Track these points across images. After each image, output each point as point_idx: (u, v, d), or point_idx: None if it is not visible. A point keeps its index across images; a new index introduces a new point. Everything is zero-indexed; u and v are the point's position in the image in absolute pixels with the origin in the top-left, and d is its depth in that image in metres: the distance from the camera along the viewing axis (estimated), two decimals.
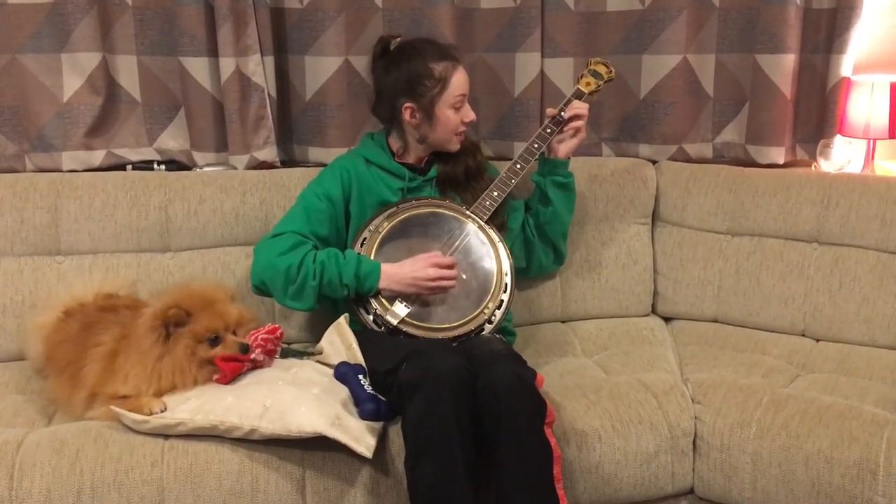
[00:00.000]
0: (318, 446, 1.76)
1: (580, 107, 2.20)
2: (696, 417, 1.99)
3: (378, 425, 1.81)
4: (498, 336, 2.06)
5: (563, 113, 2.20)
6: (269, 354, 1.94)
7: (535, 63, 2.52)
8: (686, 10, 2.52)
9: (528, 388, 1.78)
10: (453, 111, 2.10)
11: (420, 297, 2.01)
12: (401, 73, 2.08)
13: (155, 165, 2.49)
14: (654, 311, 2.56)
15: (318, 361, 1.99)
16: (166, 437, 1.77)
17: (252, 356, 1.88)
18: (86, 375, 1.84)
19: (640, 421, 1.95)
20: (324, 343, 2.02)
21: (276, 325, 1.99)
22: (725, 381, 2.07)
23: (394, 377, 1.81)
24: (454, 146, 2.17)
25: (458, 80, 2.09)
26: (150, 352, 1.81)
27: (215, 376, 1.86)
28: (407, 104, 2.10)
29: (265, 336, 1.94)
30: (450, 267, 2.00)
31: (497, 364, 1.80)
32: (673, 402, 1.99)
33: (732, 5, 2.54)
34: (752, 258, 2.43)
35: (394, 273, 1.99)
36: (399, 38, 2.16)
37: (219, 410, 1.75)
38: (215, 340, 1.85)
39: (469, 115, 2.14)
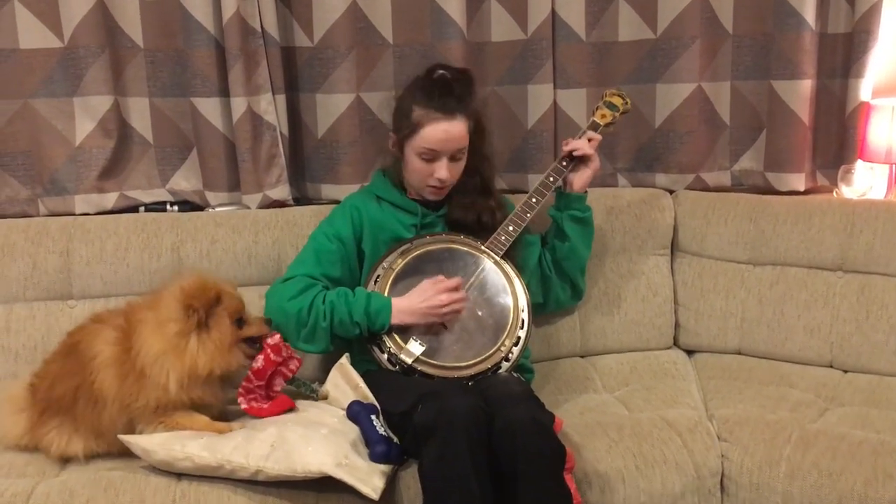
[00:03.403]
0: (332, 489, 1.73)
1: (581, 143, 2.15)
2: (722, 456, 1.93)
3: (388, 468, 1.76)
4: (516, 375, 2.02)
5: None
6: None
7: (548, 95, 2.51)
8: (699, 38, 2.50)
9: (546, 433, 1.73)
10: (419, 160, 2.03)
11: (435, 336, 1.97)
12: (401, 98, 2.07)
13: (168, 206, 2.48)
14: (675, 343, 2.51)
15: (327, 404, 1.96)
16: (178, 479, 1.74)
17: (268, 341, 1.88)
18: (101, 388, 1.77)
19: (665, 461, 1.89)
20: (329, 387, 1.99)
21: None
22: (752, 416, 2.01)
23: (408, 419, 1.77)
24: (429, 196, 2.11)
25: (429, 134, 1.99)
26: (184, 339, 1.75)
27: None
28: (391, 132, 2.09)
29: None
30: (457, 288, 1.95)
31: (514, 407, 1.75)
32: (698, 441, 1.94)
33: (746, 32, 2.52)
34: (775, 288, 2.38)
35: (405, 307, 1.95)
36: (444, 72, 2.08)
37: (226, 449, 1.72)
38: (240, 321, 1.84)
39: (438, 172, 2.01)
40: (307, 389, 1.98)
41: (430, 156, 2.02)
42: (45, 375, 1.89)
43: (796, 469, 1.85)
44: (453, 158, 2.04)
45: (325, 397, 1.99)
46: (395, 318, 1.94)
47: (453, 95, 2.02)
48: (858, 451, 1.85)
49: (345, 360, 2.01)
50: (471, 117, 2.05)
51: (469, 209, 2.12)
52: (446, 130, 2.00)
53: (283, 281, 2.03)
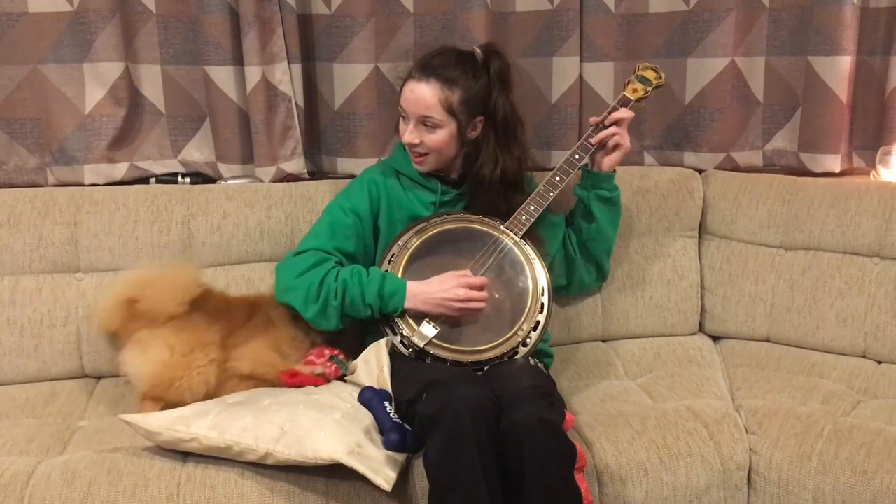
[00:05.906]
0: (342, 476, 1.67)
1: (619, 116, 2.07)
2: (750, 449, 1.85)
3: (401, 457, 1.70)
4: (532, 361, 1.93)
5: (605, 122, 2.08)
6: None
7: (574, 68, 2.42)
8: (734, 10, 2.40)
9: (554, 432, 1.65)
10: (400, 119, 2.00)
11: (449, 318, 1.89)
12: None
13: (179, 178, 2.42)
14: (701, 329, 2.42)
15: (349, 381, 1.90)
16: (184, 461, 1.69)
17: None
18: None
19: (690, 453, 1.82)
20: (359, 361, 1.92)
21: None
22: (782, 408, 1.93)
23: (415, 408, 1.70)
24: (414, 164, 2.03)
25: (403, 91, 1.98)
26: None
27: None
28: None
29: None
30: (480, 288, 1.88)
31: (520, 406, 1.66)
32: (725, 433, 1.86)
33: (783, 5, 2.43)
34: (808, 274, 2.29)
35: (420, 292, 1.87)
36: (478, 50, 2.01)
37: (235, 430, 1.66)
38: None
39: (404, 133, 1.98)
40: (339, 365, 1.93)
41: (404, 114, 1.99)
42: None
43: (829, 465, 1.78)
44: (423, 125, 1.96)
45: (352, 372, 1.93)
46: (409, 303, 1.87)
47: (437, 62, 1.97)
48: (895, 448, 1.77)
49: (384, 342, 1.93)
50: (452, 90, 1.93)
51: (483, 195, 2.03)
52: (412, 90, 1.95)
53: (294, 254, 1.96)
